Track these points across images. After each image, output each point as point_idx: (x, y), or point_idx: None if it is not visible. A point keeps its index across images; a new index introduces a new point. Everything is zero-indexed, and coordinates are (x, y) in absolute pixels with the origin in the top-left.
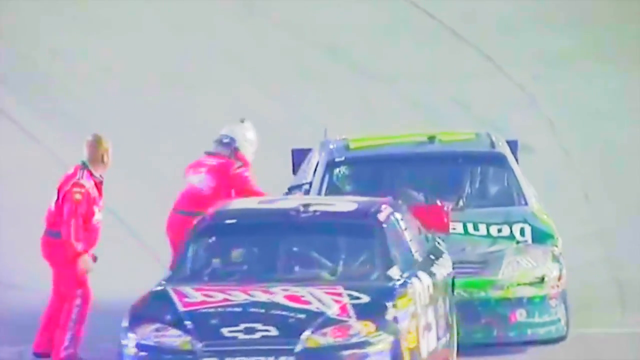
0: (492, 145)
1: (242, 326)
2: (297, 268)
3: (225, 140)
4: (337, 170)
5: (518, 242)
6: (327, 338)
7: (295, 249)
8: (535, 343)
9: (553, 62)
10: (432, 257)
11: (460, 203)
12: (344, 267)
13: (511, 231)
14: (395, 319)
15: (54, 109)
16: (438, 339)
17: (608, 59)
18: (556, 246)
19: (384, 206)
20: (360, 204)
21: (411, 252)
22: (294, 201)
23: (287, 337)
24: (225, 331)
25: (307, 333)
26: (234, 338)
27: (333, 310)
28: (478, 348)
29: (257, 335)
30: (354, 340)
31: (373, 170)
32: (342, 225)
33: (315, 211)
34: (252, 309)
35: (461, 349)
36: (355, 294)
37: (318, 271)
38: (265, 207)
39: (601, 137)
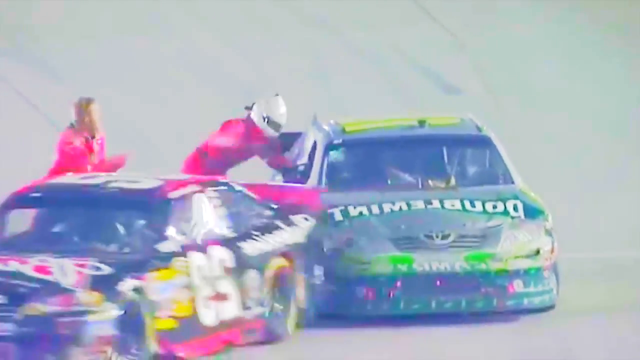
0: (478, 129)
1: None
2: (76, 240)
3: (248, 106)
4: (334, 152)
5: (512, 218)
6: (49, 306)
7: (81, 222)
8: (529, 312)
9: (482, 9)
10: (256, 233)
11: (452, 182)
12: (119, 241)
13: (505, 207)
14: (139, 290)
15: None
16: (246, 308)
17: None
18: (547, 221)
19: (187, 186)
20: (165, 182)
21: (203, 228)
22: (108, 178)
23: (11, 305)
24: None
25: (32, 301)
26: None
27: (69, 281)
28: (478, 315)
29: None
30: (75, 309)
31: (368, 152)
32: (127, 201)
33: (112, 187)
34: None
35: (463, 317)
36: (102, 266)
37: (95, 244)
38: (72, 183)
39: (527, 80)
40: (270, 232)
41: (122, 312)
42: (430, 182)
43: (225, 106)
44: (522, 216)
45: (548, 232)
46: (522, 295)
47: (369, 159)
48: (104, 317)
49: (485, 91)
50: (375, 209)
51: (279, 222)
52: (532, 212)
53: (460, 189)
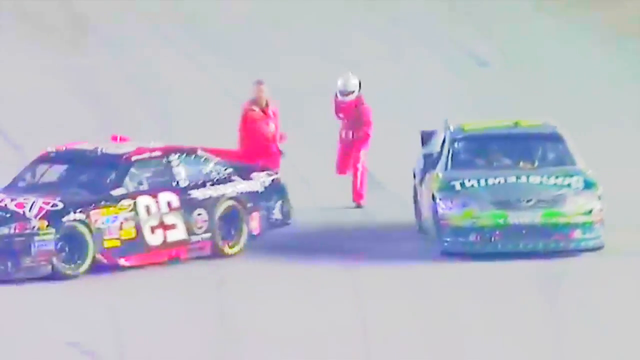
0: (554, 128)
1: None
2: (64, 187)
3: None
4: (457, 144)
5: (574, 188)
6: (8, 230)
7: (74, 175)
8: (585, 251)
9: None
10: (209, 184)
11: (535, 164)
12: (89, 188)
13: (570, 181)
14: (82, 220)
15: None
16: (192, 234)
17: None
18: (598, 190)
19: (151, 152)
20: (136, 148)
21: (156, 180)
22: (103, 146)
23: None
24: None
25: (1, 225)
26: None
27: (32, 213)
28: (551, 253)
29: None
30: (27, 231)
31: (480, 144)
32: (103, 162)
33: (100, 152)
34: None
35: (540, 255)
36: (59, 203)
37: (73, 190)
38: (78, 148)
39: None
40: (224, 184)
41: (63, 235)
42: (521, 163)
43: None
44: (581, 187)
45: (599, 198)
46: (580, 240)
47: (480, 148)
48: (46, 238)
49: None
50: (482, 182)
51: (236, 177)
52: (588, 184)
53: (540, 169)
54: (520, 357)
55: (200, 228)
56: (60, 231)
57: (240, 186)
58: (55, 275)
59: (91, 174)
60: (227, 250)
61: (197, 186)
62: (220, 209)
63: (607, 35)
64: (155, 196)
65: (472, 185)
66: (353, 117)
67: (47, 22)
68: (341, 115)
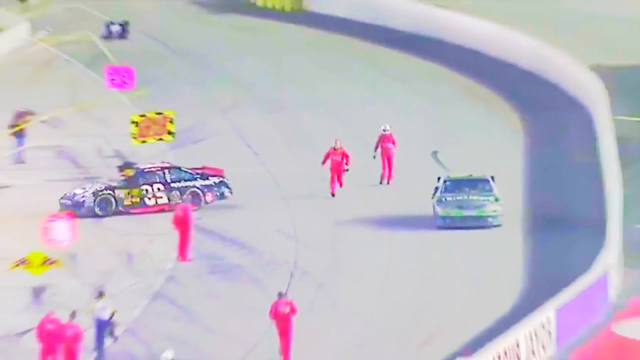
0: (485, 176)
1: None
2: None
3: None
4: (445, 182)
5: (491, 201)
6: None
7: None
8: (493, 227)
9: None
10: (184, 182)
11: (477, 191)
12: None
13: (489, 199)
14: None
15: None
16: (170, 201)
17: None
18: (500, 202)
19: (155, 165)
20: (151, 164)
21: (154, 180)
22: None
23: None
24: None
25: None
26: None
27: None
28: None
29: None
30: None
31: (454, 183)
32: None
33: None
34: None
35: (474, 228)
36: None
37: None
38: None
39: None
40: (191, 181)
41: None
42: (471, 191)
43: None
44: (493, 200)
45: (500, 205)
46: (491, 223)
47: (454, 185)
48: None
49: None
50: (452, 199)
51: (198, 179)
52: (496, 199)
53: (478, 193)
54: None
55: (176, 200)
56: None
57: (199, 183)
58: None
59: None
60: (190, 209)
61: (176, 182)
62: (188, 192)
63: None
64: (150, 185)
65: (448, 200)
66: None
67: None
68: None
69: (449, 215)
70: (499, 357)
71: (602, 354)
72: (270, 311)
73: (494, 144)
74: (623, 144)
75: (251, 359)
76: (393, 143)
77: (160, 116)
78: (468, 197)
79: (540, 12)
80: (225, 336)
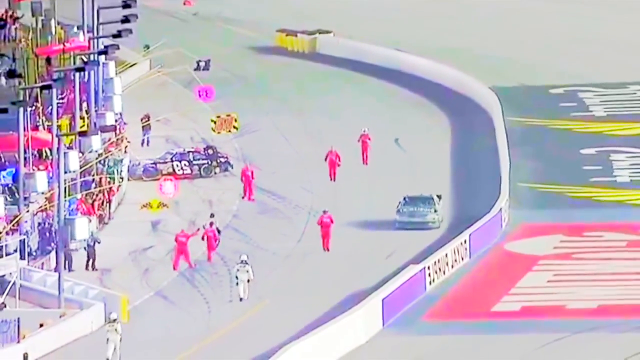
0: (431, 195)
1: None
2: None
3: None
4: (404, 199)
5: (432, 212)
6: None
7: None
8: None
9: None
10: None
11: (424, 205)
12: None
13: (431, 210)
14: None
15: None
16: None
17: None
18: (439, 214)
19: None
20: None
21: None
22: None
23: None
24: None
25: None
26: None
27: None
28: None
29: None
30: None
31: (410, 200)
32: None
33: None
34: None
35: (419, 229)
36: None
37: None
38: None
39: None
40: (206, 160)
41: None
42: (421, 204)
43: None
44: (434, 211)
45: (439, 215)
46: (432, 227)
47: (410, 200)
48: None
49: None
50: (406, 210)
51: (211, 159)
52: (436, 211)
53: (424, 206)
54: None
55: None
56: None
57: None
58: None
59: None
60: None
61: (196, 159)
62: (202, 166)
63: None
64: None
65: (403, 210)
66: None
67: None
68: None
69: (403, 221)
70: (435, 263)
71: (497, 262)
72: (318, 221)
73: (432, 135)
74: (510, 133)
75: (294, 256)
76: (369, 138)
77: (229, 117)
78: (416, 209)
79: (458, 50)
80: (269, 250)
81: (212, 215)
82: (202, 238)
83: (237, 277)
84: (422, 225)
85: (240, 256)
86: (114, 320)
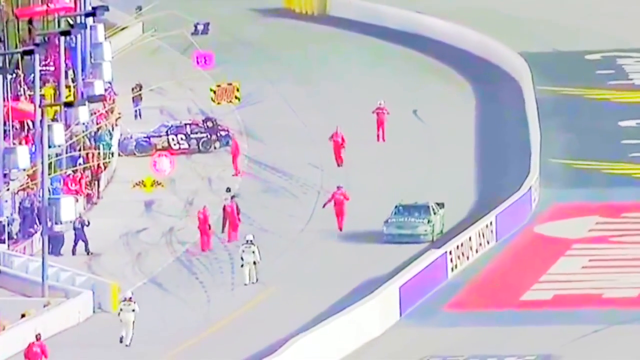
0: (428, 203)
1: None
2: None
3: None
4: (395, 208)
5: (425, 223)
6: None
7: None
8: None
9: None
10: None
11: (418, 215)
12: None
13: (424, 221)
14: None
15: None
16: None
17: None
18: (432, 226)
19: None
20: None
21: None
22: None
23: None
24: None
25: None
26: None
27: None
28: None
29: None
30: None
31: (402, 208)
32: None
33: None
34: None
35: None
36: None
37: None
38: None
39: None
40: (205, 134)
41: None
42: (415, 214)
43: None
44: (427, 222)
45: (431, 228)
46: (423, 240)
47: (403, 209)
48: None
49: None
50: (395, 220)
51: (211, 132)
52: (429, 222)
53: (417, 217)
54: None
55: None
56: None
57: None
58: None
59: None
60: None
61: (194, 133)
62: (201, 140)
63: None
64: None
65: (391, 221)
66: None
67: None
68: None
69: (391, 233)
70: (458, 247)
71: (527, 246)
72: (330, 198)
73: (454, 105)
74: (541, 104)
75: (302, 240)
76: (385, 112)
77: (230, 86)
78: (406, 219)
79: (483, 11)
80: (274, 233)
81: (228, 190)
82: (224, 220)
83: (242, 259)
84: (412, 238)
85: (245, 236)
86: (129, 299)
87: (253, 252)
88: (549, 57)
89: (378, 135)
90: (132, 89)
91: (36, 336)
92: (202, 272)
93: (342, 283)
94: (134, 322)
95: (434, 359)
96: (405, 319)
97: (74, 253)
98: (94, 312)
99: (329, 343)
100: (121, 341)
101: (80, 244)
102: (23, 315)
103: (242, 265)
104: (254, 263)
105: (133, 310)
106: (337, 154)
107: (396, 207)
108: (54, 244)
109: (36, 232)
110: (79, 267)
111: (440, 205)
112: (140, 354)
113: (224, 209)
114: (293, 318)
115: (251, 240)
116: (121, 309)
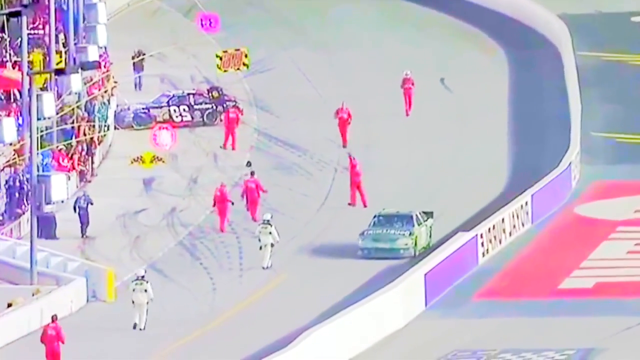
0: (411, 212)
1: None
2: None
3: None
4: (373, 218)
5: (405, 236)
6: None
7: None
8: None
9: None
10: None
11: (398, 226)
12: None
13: (404, 234)
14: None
15: None
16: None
17: None
18: (413, 239)
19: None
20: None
21: None
22: None
23: None
24: None
25: None
26: None
27: None
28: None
29: None
30: None
31: (383, 218)
32: None
33: None
34: None
35: (385, 258)
36: None
37: None
38: None
39: None
40: (209, 104)
41: None
42: (395, 225)
43: None
44: (408, 235)
45: (412, 240)
46: (402, 254)
47: (383, 219)
48: None
49: None
50: (372, 233)
51: (216, 103)
52: (410, 234)
53: (396, 228)
54: None
55: (196, 117)
56: None
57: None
58: None
59: None
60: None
61: (198, 103)
62: (206, 112)
63: None
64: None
65: (368, 233)
66: None
67: None
68: None
69: (366, 247)
70: (489, 230)
71: (566, 228)
72: (244, 187)
73: (485, 73)
74: (582, 71)
75: (318, 221)
76: (412, 84)
77: (238, 51)
78: (385, 231)
79: None
80: (286, 214)
81: (249, 164)
82: (243, 195)
83: (259, 240)
84: (390, 253)
85: (263, 215)
86: (142, 277)
87: (270, 232)
88: (591, 19)
89: (406, 110)
90: (132, 57)
91: (52, 317)
92: (207, 257)
93: (361, 270)
94: (147, 303)
95: (462, 353)
96: (430, 309)
97: (83, 235)
98: (87, 301)
99: (346, 336)
100: (134, 327)
101: (78, 225)
102: (10, 305)
103: (260, 248)
104: (272, 245)
105: (146, 291)
106: (343, 133)
107: (375, 216)
108: (44, 226)
109: (24, 212)
110: (72, 252)
111: (429, 214)
112: (138, 350)
113: (245, 185)
114: (306, 308)
115: (268, 220)
116: (133, 290)
